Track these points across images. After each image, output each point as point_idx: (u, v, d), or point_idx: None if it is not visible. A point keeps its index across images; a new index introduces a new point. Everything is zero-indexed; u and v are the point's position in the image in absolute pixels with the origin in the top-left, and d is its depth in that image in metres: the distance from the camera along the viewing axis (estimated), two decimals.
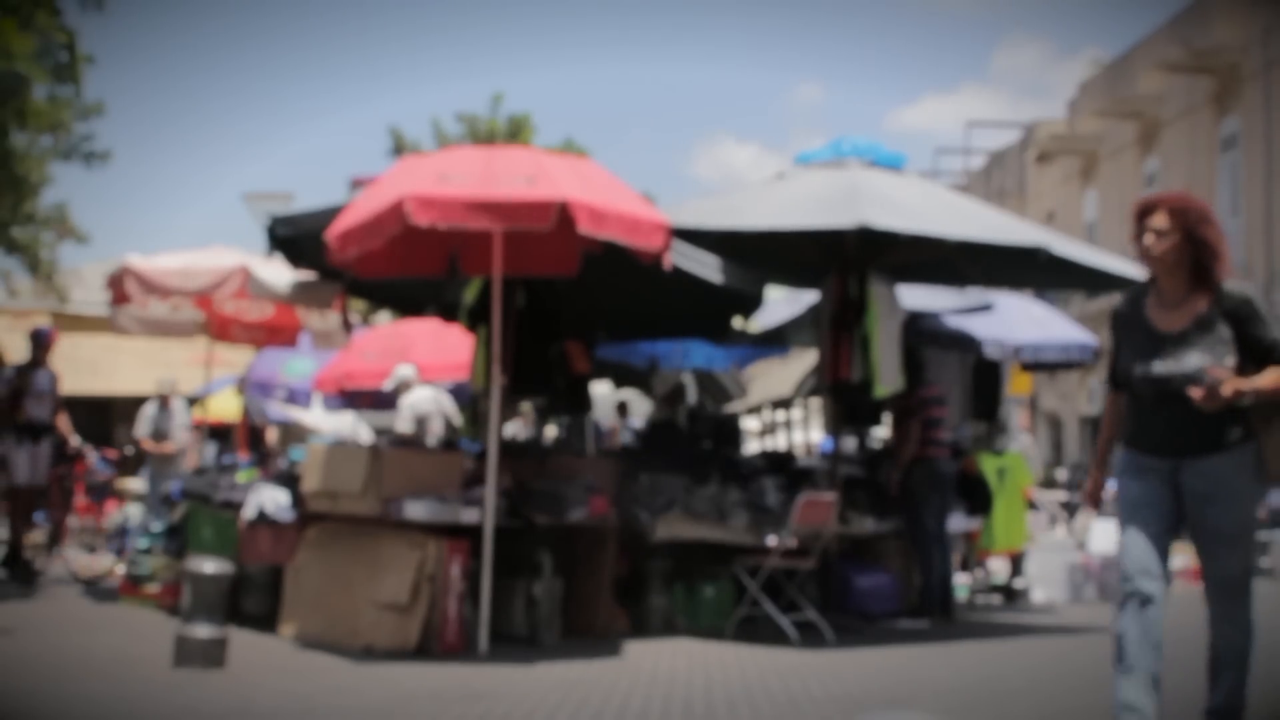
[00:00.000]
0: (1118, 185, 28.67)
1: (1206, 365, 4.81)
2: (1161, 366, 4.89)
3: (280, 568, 8.82)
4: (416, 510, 8.12)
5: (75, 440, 12.73)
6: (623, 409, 17.48)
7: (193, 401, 15.97)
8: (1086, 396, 29.48)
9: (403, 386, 12.49)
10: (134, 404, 15.51)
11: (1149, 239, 4.96)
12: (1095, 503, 5.32)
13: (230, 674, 6.87)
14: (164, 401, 14.14)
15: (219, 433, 17.50)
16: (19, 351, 13.08)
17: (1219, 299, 4.92)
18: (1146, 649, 4.79)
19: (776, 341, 13.95)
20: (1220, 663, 4.97)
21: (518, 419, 15.71)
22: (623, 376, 15.87)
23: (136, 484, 14.60)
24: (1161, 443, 4.95)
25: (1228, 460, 4.86)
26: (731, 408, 18.14)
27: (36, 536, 11.79)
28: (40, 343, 11.66)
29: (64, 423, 11.94)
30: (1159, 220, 4.95)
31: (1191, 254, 4.92)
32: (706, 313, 10.93)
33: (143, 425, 14.28)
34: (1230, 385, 4.73)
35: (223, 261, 10.67)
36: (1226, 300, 4.91)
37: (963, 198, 12.17)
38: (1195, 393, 4.74)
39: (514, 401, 11.57)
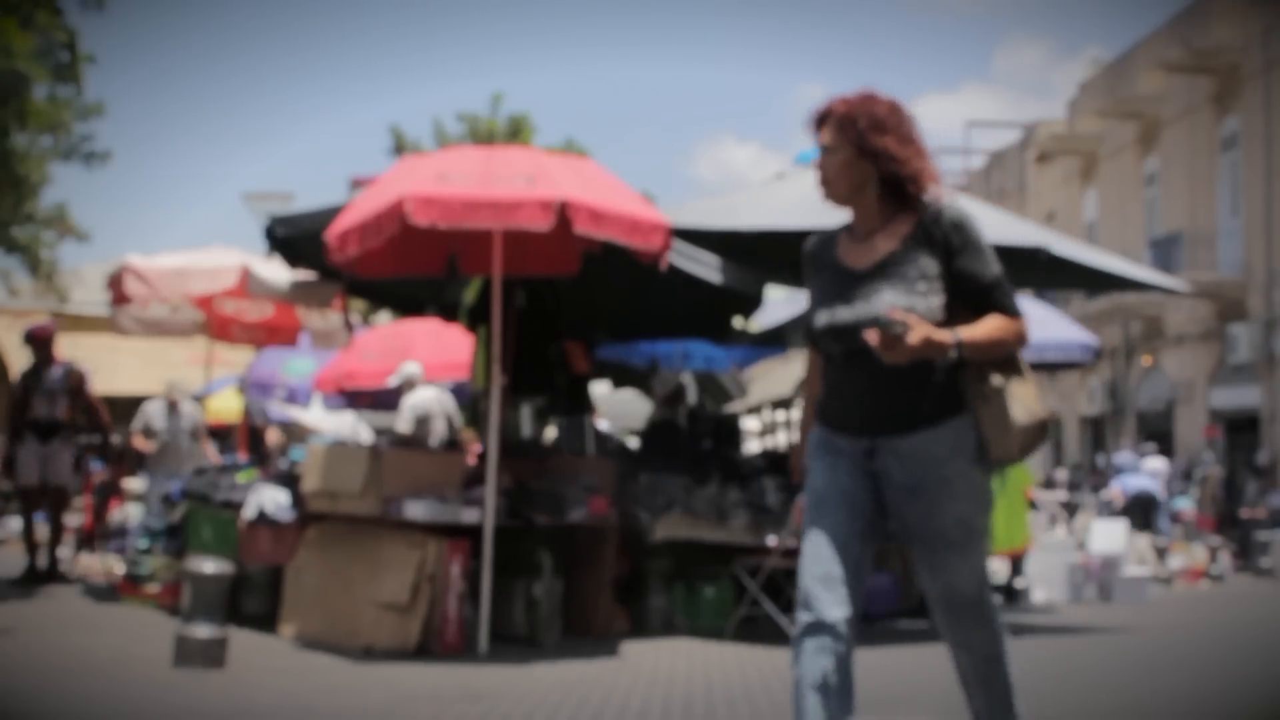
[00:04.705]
0: (1118, 185, 28.68)
1: (898, 306, 3.62)
2: (847, 312, 3.71)
3: (280, 568, 8.81)
4: (416, 510, 8.12)
5: (115, 439, 12.58)
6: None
7: None
8: (1086, 396, 29.49)
9: (407, 384, 12.47)
10: (134, 404, 15.50)
11: (818, 159, 3.84)
12: (796, 476, 4.24)
13: (230, 674, 6.86)
14: (173, 406, 14.05)
15: (217, 433, 17.48)
16: (18, 352, 12.98)
17: (921, 225, 3.72)
18: (829, 699, 3.73)
19: (776, 341, 13.96)
20: (968, 690, 4.02)
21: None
22: (623, 376, 15.86)
23: (137, 484, 14.58)
24: (852, 416, 3.78)
25: (934, 439, 3.71)
26: (731, 408, 18.13)
27: (40, 536, 11.72)
28: (33, 342, 11.34)
29: (104, 417, 11.68)
30: (825, 135, 3.78)
31: (875, 172, 3.74)
32: (706, 313, 10.93)
33: (138, 421, 14.22)
34: (920, 332, 3.50)
35: (223, 261, 10.67)
36: (931, 225, 3.71)
37: (962, 198, 12.16)
38: (870, 337, 3.52)
39: (515, 402, 11.55)
